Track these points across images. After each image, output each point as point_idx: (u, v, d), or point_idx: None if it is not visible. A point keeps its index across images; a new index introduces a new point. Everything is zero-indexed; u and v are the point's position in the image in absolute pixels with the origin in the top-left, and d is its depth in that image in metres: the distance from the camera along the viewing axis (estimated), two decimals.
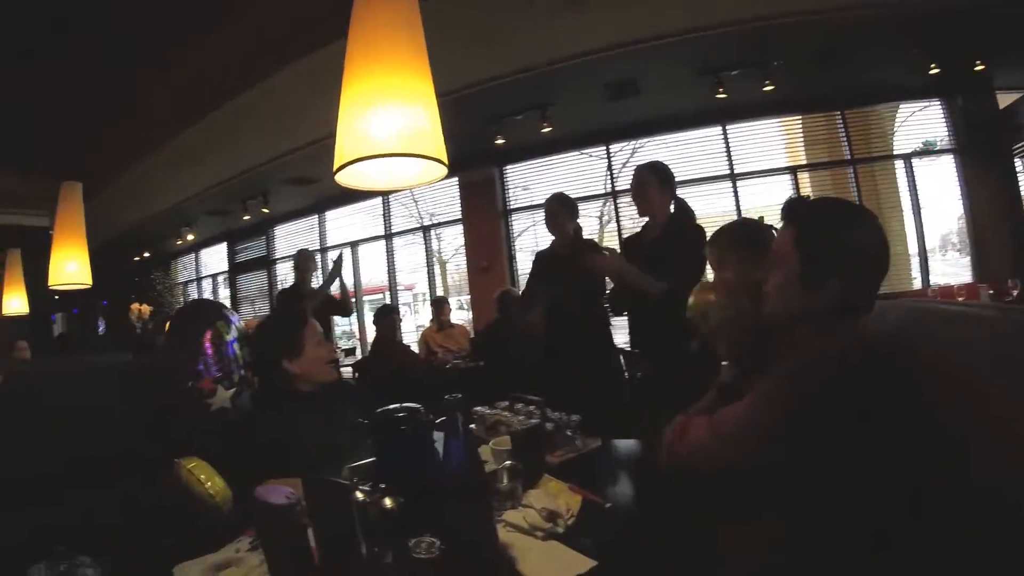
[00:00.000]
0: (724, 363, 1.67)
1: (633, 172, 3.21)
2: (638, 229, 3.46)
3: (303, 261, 5.42)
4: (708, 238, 2.13)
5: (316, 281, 5.52)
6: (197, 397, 2.35)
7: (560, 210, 3.63)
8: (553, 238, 3.73)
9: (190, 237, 10.72)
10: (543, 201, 3.75)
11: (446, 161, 1.58)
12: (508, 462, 1.63)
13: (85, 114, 6.25)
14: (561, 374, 3.31)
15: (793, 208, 1.45)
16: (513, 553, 1.29)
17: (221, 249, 11.86)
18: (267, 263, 10.97)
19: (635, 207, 3.24)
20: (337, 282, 5.24)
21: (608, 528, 1.44)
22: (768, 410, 1.26)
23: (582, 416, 2.20)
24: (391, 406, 1.46)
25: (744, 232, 1.95)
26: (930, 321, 1.43)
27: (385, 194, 8.86)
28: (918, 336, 1.41)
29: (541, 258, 3.85)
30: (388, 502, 1.15)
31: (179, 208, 9.33)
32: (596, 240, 4.97)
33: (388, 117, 1.52)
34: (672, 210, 3.14)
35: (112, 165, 7.33)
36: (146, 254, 11.84)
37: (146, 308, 9.26)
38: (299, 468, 1.31)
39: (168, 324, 2.88)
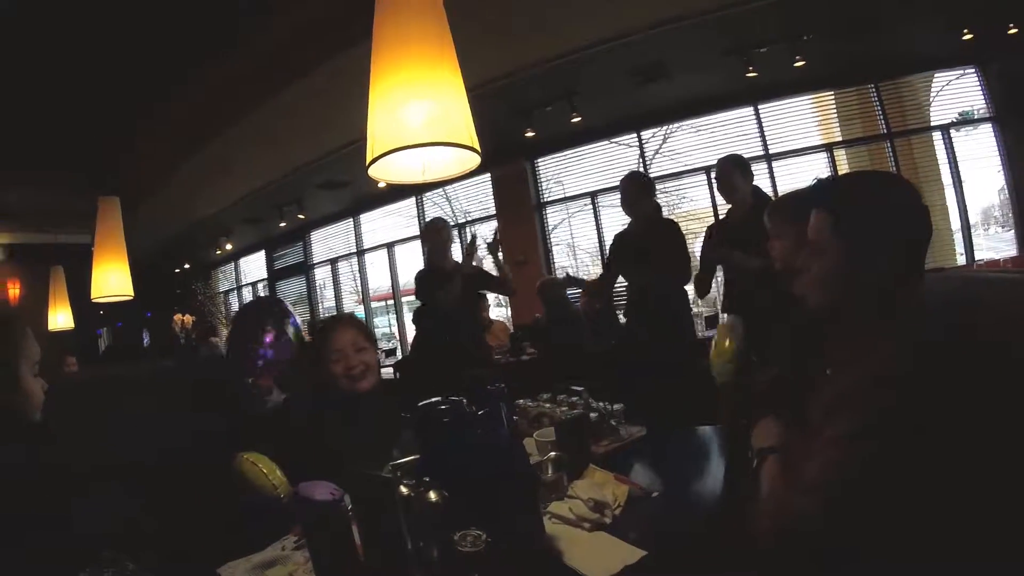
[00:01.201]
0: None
1: (716, 164, 3.61)
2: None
3: (432, 232, 4.07)
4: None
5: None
6: (256, 394, 2.38)
7: (633, 189, 3.77)
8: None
9: (228, 246, 10.89)
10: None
11: (479, 148, 1.57)
12: (552, 453, 1.61)
13: (119, 127, 6.38)
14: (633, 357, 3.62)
15: (825, 191, 1.35)
16: (560, 545, 1.27)
17: (260, 257, 12.05)
18: (305, 268, 11.13)
19: (721, 195, 3.68)
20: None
21: (657, 517, 1.41)
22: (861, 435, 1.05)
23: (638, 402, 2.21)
24: (433, 399, 1.45)
25: (797, 203, 1.93)
26: (992, 289, 1.35)
27: (419, 191, 8.88)
28: (983, 303, 1.32)
29: (618, 239, 4.01)
30: (433, 496, 1.15)
31: (216, 218, 9.52)
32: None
33: (418, 109, 1.52)
34: (752, 197, 3.46)
35: (148, 179, 7.45)
36: (186, 265, 12.05)
37: (189, 318, 9.44)
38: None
39: (233, 321, 2.93)
